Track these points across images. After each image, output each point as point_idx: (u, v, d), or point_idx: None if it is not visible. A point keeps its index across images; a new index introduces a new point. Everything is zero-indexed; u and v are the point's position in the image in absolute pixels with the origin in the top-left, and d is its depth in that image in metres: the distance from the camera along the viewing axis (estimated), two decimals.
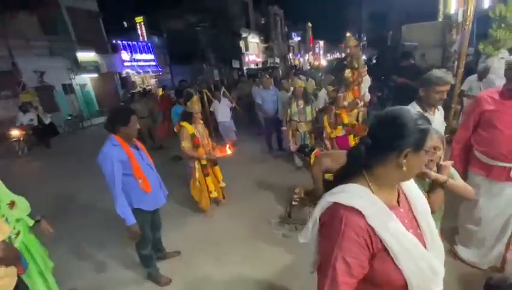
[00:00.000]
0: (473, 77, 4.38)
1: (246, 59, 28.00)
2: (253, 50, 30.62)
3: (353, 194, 0.81)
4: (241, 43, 26.73)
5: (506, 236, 2.12)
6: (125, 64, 16.22)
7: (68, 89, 12.96)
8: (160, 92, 12.75)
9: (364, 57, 10.54)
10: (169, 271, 2.60)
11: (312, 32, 48.90)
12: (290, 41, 41.92)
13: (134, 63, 16.77)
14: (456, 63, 5.57)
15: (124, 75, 16.47)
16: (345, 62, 3.66)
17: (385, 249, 0.78)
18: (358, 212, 0.77)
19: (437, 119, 2.13)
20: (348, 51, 3.44)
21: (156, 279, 2.49)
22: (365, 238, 0.77)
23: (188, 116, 3.24)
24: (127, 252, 2.99)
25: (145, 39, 18.27)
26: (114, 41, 15.97)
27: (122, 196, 2.05)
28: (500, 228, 2.12)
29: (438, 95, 1.97)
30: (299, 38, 44.60)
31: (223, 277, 2.49)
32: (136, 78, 17.35)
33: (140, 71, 17.18)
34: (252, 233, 3.08)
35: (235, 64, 24.80)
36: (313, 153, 2.81)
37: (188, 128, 3.18)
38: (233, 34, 24.55)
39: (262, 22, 33.84)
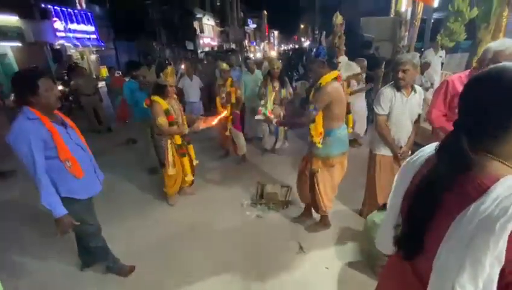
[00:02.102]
0: None
1: (201, 42, 26.72)
2: (208, 33, 29.35)
3: None
4: (196, 24, 25.33)
5: None
6: (59, 34, 13.93)
7: None
8: (104, 71, 11.24)
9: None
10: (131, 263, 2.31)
11: (267, 21, 49.01)
12: (246, 27, 41.33)
13: (70, 34, 14.52)
14: None
15: (57, 47, 14.18)
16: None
17: None
18: None
19: (411, 100, 2.24)
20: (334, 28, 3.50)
21: (118, 270, 2.18)
22: None
23: (160, 90, 2.77)
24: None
25: (84, 7, 15.91)
26: (43, 6, 13.55)
27: (47, 182, 1.65)
28: None
29: (397, 75, 2.15)
30: (254, 26, 44.26)
31: (193, 264, 2.32)
32: (72, 52, 15.11)
33: (78, 44, 14.99)
34: (224, 217, 2.93)
35: (189, 45, 23.47)
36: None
37: (161, 102, 2.74)
38: (187, 13, 23.05)
39: (218, 4, 32.57)
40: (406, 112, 2.23)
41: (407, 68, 2.09)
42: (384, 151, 2.39)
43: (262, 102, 3.79)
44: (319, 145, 2.28)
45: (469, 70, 2.13)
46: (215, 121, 2.87)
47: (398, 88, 2.21)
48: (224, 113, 3.27)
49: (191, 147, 3.13)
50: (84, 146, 1.90)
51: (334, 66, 2.29)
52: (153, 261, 2.37)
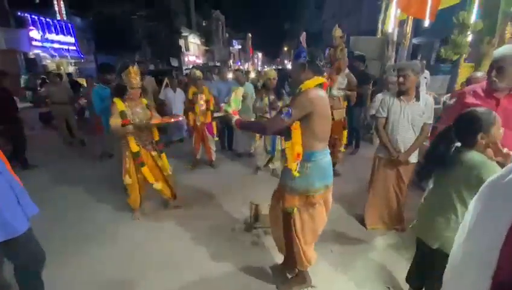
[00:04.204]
0: None
1: (186, 59, 26.73)
2: (193, 51, 29.55)
3: None
4: (181, 42, 25.41)
5: None
6: (34, 43, 13.26)
7: None
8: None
9: None
10: None
11: (252, 43, 50.47)
12: (231, 48, 42.23)
13: (47, 44, 13.87)
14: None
15: (31, 56, 13.43)
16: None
17: None
18: None
19: (411, 107, 2.28)
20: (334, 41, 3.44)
21: None
22: None
23: (120, 91, 2.58)
24: None
25: (64, 18, 15.40)
26: (19, 14, 12.93)
27: None
28: None
29: (398, 80, 2.28)
30: (239, 47, 45.32)
31: None
32: (48, 62, 14.36)
33: (56, 54, 14.31)
34: (210, 245, 2.45)
35: (174, 62, 23.31)
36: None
37: (119, 104, 2.54)
38: (173, 30, 23.09)
39: (204, 24, 33.17)
40: (404, 118, 2.30)
41: (407, 73, 2.19)
42: (380, 153, 2.49)
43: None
44: (296, 174, 1.65)
45: (486, 81, 1.99)
46: (171, 120, 2.98)
47: (398, 94, 2.32)
48: (180, 118, 3.30)
49: (163, 156, 2.90)
50: (3, 165, 1.37)
51: (318, 70, 1.70)
52: None
